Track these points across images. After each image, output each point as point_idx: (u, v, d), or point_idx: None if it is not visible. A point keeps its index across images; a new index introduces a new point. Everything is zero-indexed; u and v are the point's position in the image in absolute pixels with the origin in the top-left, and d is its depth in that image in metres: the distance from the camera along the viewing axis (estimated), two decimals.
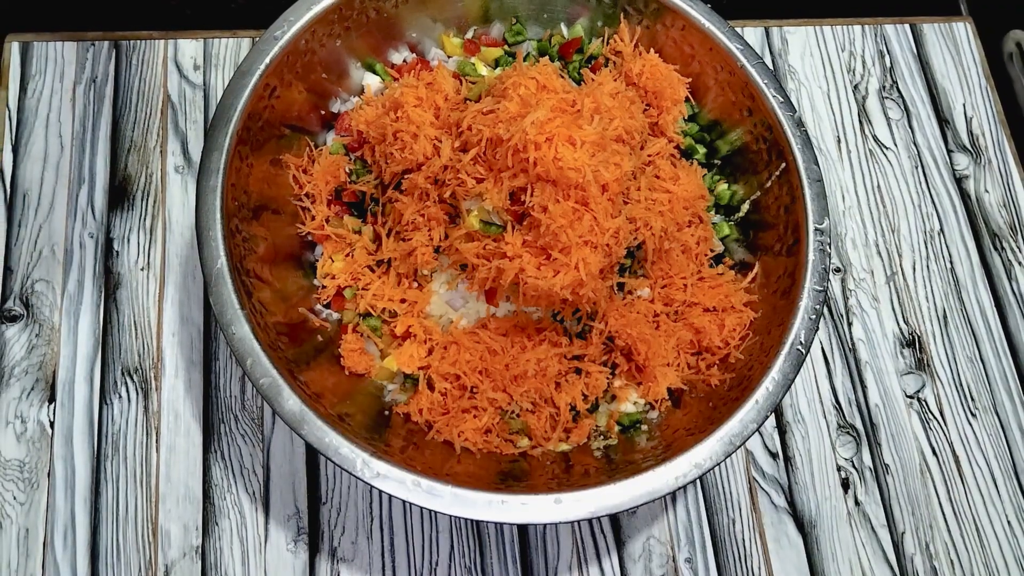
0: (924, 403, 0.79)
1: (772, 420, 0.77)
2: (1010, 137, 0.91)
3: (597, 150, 0.61)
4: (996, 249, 0.86)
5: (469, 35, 0.77)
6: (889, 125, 0.90)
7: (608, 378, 0.67)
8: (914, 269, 0.84)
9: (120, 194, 0.79)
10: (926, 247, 0.85)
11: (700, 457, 0.57)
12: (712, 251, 0.71)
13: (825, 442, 0.76)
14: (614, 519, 0.72)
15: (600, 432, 0.67)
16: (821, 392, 0.78)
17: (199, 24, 0.88)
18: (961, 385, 0.80)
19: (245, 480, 0.71)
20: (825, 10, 0.96)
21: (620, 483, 0.56)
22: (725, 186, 0.74)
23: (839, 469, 0.76)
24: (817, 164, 0.66)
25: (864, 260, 0.84)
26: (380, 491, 0.59)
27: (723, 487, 0.74)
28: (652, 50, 0.74)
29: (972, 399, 0.79)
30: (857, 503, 0.74)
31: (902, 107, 0.91)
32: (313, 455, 0.72)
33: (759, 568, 0.72)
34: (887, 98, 0.91)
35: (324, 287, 0.69)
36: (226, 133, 0.63)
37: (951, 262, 0.85)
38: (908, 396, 0.79)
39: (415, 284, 0.68)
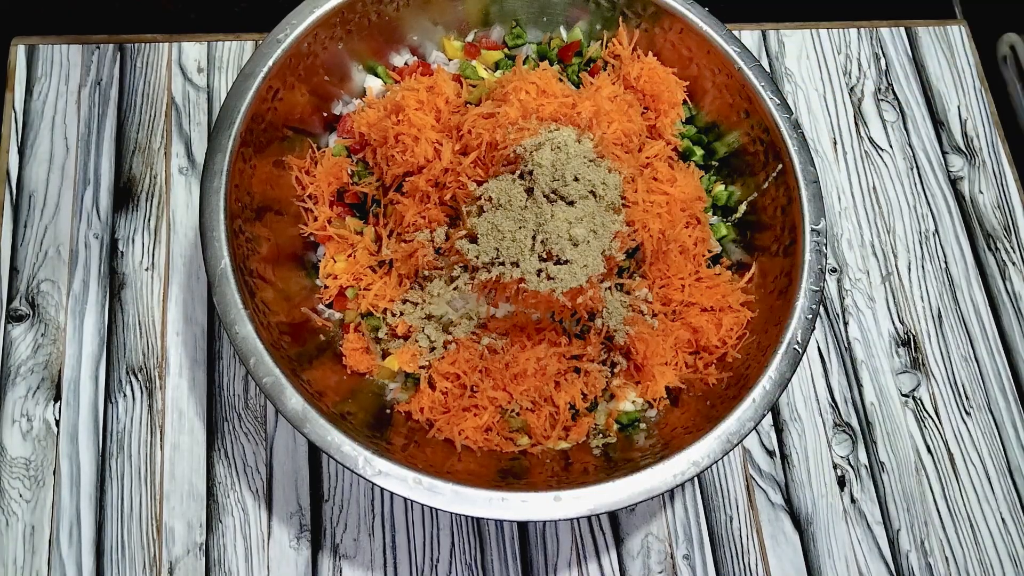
0: (919, 402, 0.80)
1: (769, 418, 0.78)
2: (1004, 139, 0.92)
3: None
4: (990, 249, 0.87)
5: (470, 38, 0.78)
6: (885, 127, 0.91)
7: (607, 377, 0.68)
8: (909, 269, 0.85)
9: (125, 195, 0.80)
10: (921, 248, 0.86)
11: (698, 455, 0.57)
12: (710, 252, 0.72)
13: (821, 440, 0.77)
14: (613, 516, 0.73)
15: (599, 430, 0.67)
16: (817, 391, 0.79)
17: (203, 27, 0.88)
18: (956, 384, 0.81)
19: (248, 478, 0.71)
20: (821, 13, 0.97)
21: (619, 481, 0.56)
22: (722, 187, 0.75)
23: (835, 467, 0.76)
24: (813, 166, 0.67)
25: (860, 260, 0.85)
26: (382, 489, 0.60)
27: (721, 485, 0.75)
28: (650, 53, 0.75)
29: (967, 398, 0.80)
30: (853, 500, 0.75)
31: (897, 109, 0.92)
32: (315, 453, 0.73)
33: (756, 565, 0.72)
34: (882, 100, 0.92)
35: (326, 287, 0.70)
36: (229, 135, 0.63)
37: (946, 262, 0.86)
38: (903, 395, 0.80)
39: (416, 284, 0.68)
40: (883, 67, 0.94)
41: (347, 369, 0.67)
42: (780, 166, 0.68)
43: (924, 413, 0.79)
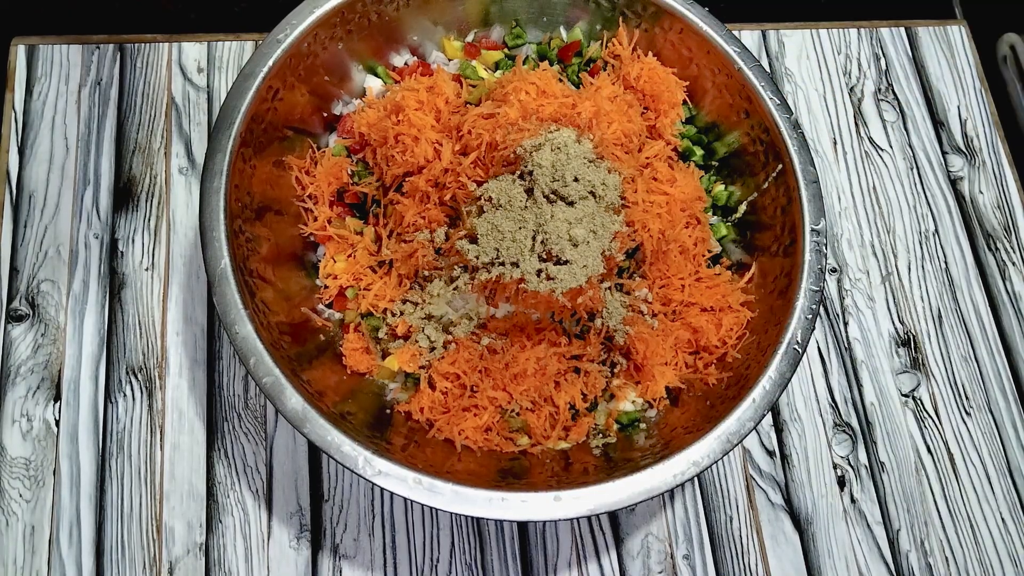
0: (919, 402, 0.80)
1: (769, 418, 0.78)
2: (1004, 139, 0.92)
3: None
4: (990, 250, 0.87)
5: (470, 38, 0.78)
6: (884, 127, 0.91)
7: (607, 377, 0.68)
8: (909, 269, 0.85)
9: (125, 195, 0.80)
10: (921, 248, 0.86)
11: (698, 455, 0.57)
12: (709, 252, 0.72)
13: (821, 440, 0.77)
14: (613, 516, 0.73)
15: (599, 430, 0.67)
16: (817, 391, 0.79)
17: (203, 27, 0.88)
18: (956, 384, 0.81)
19: (248, 478, 0.71)
20: (821, 13, 0.97)
21: (619, 481, 0.56)
22: (722, 187, 0.75)
23: (835, 467, 0.76)
24: (813, 166, 0.67)
25: (860, 260, 0.85)
26: (382, 489, 0.60)
27: (721, 485, 0.75)
28: (650, 53, 0.75)
29: (967, 398, 0.80)
30: (853, 500, 0.75)
31: (897, 109, 0.92)
32: (315, 453, 0.73)
33: (756, 565, 0.72)
34: (883, 100, 0.92)
35: (326, 287, 0.70)
36: (229, 135, 0.63)
37: (946, 262, 0.86)
38: (903, 395, 0.80)
39: (416, 285, 0.68)
40: (883, 67, 0.94)
41: (347, 369, 0.67)
42: (780, 166, 0.68)
43: (924, 413, 0.79)
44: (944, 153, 0.90)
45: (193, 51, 0.86)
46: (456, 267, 0.66)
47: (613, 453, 0.64)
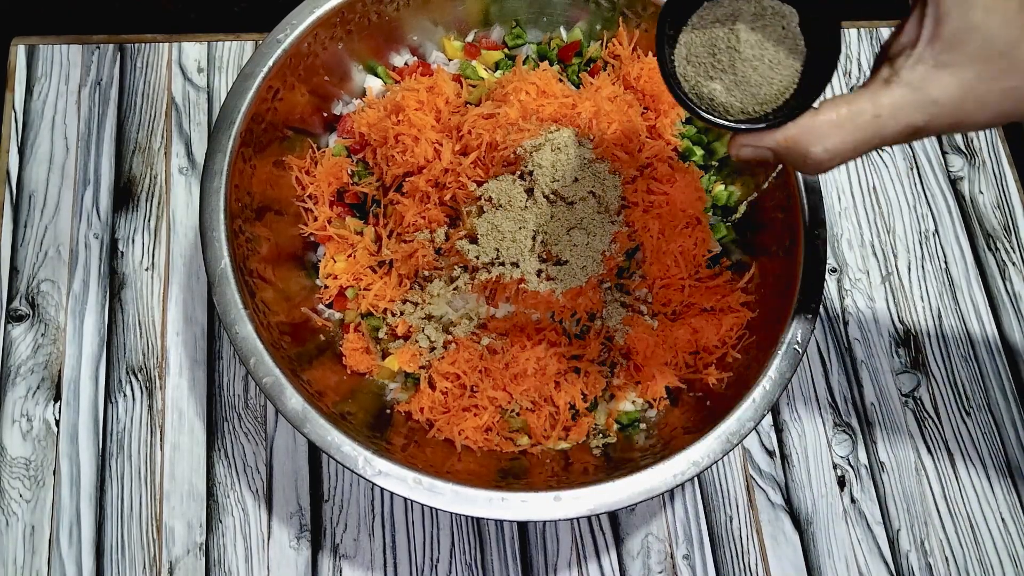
0: (919, 402, 0.80)
1: (769, 418, 0.78)
2: (1004, 139, 0.92)
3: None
4: (990, 249, 0.87)
5: (470, 38, 0.78)
6: None
7: (607, 377, 0.68)
8: (909, 269, 0.85)
9: (125, 195, 0.80)
10: (921, 248, 0.86)
11: (698, 455, 0.57)
12: (710, 252, 0.72)
13: (821, 440, 0.77)
14: (613, 516, 0.73)
15: (599, 430, 0.67)
16: (817, 391, 0.79)
17: (203, 27, 0.88)
18: (955, 384, 0.81)
19: (248, 478, 0.71)
20: None
21: (619, 481, 0.56)
22: (722, 187, 0.75)
23: (835, 467, 0.76)
24: None
25: (860, 260, 0.85)
26: (382, 489, 0.60)
27: (721, 485, 0.75)
28: (650, 53, 0.75)
29: (967, 398, 0.80)
30: (853, 500, 0.75)
31: None
32: (315, 453, 0.73)
33: (756, 565, 0.72)
34: None
35: (326, 287, 0.70)
36: (229, 135, 0.63)
37: (945, 262, 0.85)
38: (903, 395, 0.80)
39: (416, 285, 0.68)
40: None
41: (347, 369, 0.67)
42: (780, 166, 0.68)
43: (924, 413, 0.79)
44: (944, 153, 0.90)
45: (193, 51, 0.86)
46: (456, 267, 0.66)
47: (613, 453, 0.64)
